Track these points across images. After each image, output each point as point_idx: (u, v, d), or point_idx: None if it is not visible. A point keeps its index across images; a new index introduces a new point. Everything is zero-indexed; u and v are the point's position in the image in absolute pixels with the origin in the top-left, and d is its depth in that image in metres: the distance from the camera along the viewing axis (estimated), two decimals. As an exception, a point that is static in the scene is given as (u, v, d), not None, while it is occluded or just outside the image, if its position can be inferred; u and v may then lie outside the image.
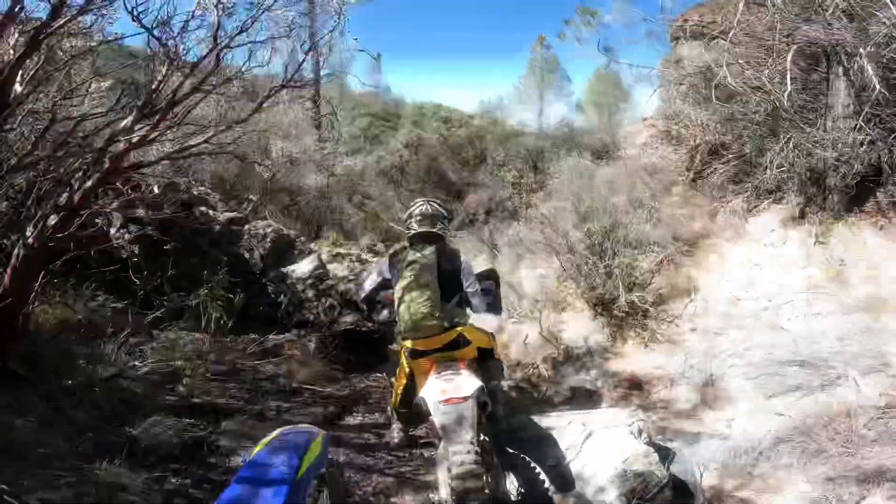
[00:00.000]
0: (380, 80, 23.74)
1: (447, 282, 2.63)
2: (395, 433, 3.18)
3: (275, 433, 1.44)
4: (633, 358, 4.82)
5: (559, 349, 5.18)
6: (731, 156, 7.09)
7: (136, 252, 3.57)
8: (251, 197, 6.96)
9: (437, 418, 2.22)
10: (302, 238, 4.85)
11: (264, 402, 3.24)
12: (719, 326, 4.78)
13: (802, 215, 5.87)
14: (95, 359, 2.86)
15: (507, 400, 3.66)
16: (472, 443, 2.11)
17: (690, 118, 7.20)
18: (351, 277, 4.45)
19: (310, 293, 4.21)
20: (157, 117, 2.69)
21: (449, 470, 2.09)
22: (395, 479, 2.79)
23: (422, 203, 2.89)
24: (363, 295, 3.07)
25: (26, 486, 1.60)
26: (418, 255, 2.63)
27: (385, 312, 2.95)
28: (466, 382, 2.33)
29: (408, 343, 2.65)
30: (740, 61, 5.75)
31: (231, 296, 3.38)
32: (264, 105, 3.42)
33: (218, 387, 3.21)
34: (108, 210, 3.51)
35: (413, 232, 2.80)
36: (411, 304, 2.52)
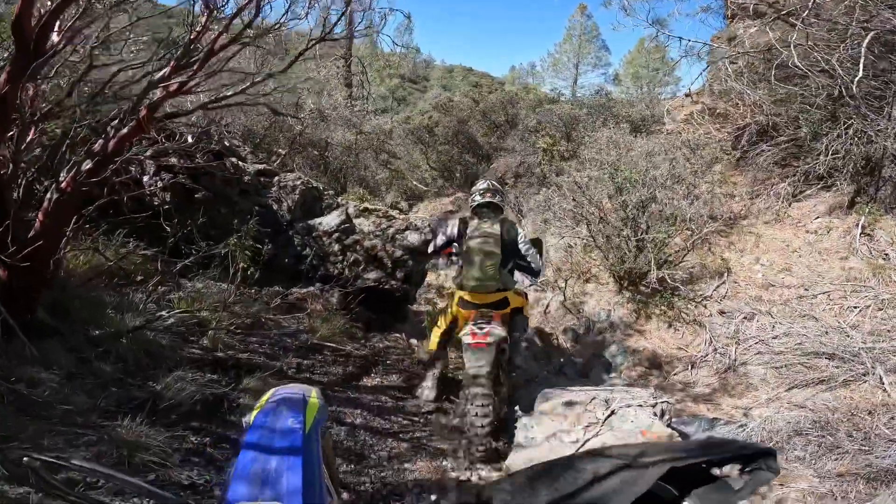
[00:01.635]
0: (410, 41, 22.88)
1: (504, 249, 3.10)
2: (427, 389, 3.37)
3: (267, 394, 1.39)
4: (656, 336, 4.63)
5: (580, 321, 5.02)
6: (782, 138, 6.57)
7: (168, 200, 3.49)
8: (280, 150, 6.81)
9: (465, 354, 2.90)
10: (330, 191, 4.67)
11: (285, 359, 3.20)
12: (749, 311, 4.51)
13: (852, 204, 5.43)
14: (124, 308, 2.82)
15: (527, 351, 3.92)
16: (486, 394, 2.81)
17: (743, 97, 6.65)
18: (377, 233, 4.28)
19: (335, 247, 4.02)
20: (196, 67, 2.53)
21: (466, 421, 2.80)
22: (410, 445, 2.74)
23: (484, 182, 3.45)
24: (433, 248, 3.57)
25: (46, 445, 1.55)
26: (487, 225, 3.14)
27: (441, 262, 3.52)
28: (494, 332, 2.90)
29: (465, 294, 3.11)
30: (810, 43, 5.19)
31: (259, 246, 3.27)
32: (299, 59, 3.24)
33: (241, 340, 3.16)
34: (142, 158, 3.44)
35: (477, 203, 3.29)
36: (480, 265, 3.02)
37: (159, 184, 3.45)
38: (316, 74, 8.16)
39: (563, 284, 5.51)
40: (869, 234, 5.01)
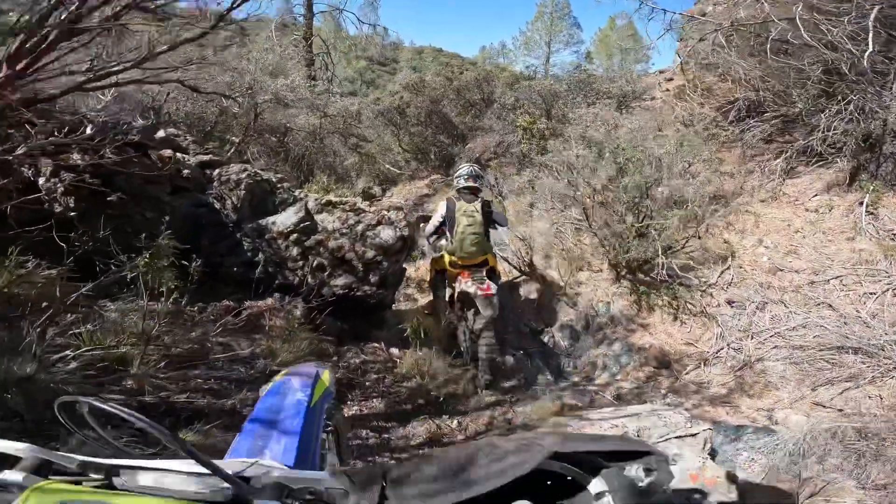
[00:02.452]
0: (377, 19, 21.60)
1: (484, 221, 3.74)
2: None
3: (283, 371, 1.46)
4: (661, 330, 4.14)
5: (578, 314, 4.49)
6: (768, 114, 6.15)
7: (72, 206, 2.69)
8: (233, 138, 5.92)
9: (478, 301, 3.58)
10: (285, 183, 3.74)
11: (237, 394, 2.52)
12: (759, 300, 4.07)
13: (851, 181, 5.05)
14: (12, 348, 2.07)
15: (524, 357, 4.19)
16: (493, 329, 3.61)
17: (731, 71, 6.15)
18: (344, 231, 3.51)
19: (293, 251, 3.27)
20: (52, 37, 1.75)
21: (481, 346, 3.58)
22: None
23: (467, 166, 3.99)
24: (430, 231, 4.05)
25: None
26: (470, 206, 3.74)
27: (443, 242, 3.93)
28: (492, 284, 3.65)
29: (456, 259, 3.77)
30: (815, 16, 4.69)
31: (186, 262, 2.50)
32: (215, 29, 2.47)
33: (178, 377, 2.46)
34: (35, 154, 2.62)
35: (461, 186, 3.87)
36: (467, 238, 3.68)
37: (59, 187, 2.64)
38: (268, 56, 7.21)
39: (555, 273, 4.96)
40: (872, 213, 4.63)
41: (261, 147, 6.33)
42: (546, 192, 5.41)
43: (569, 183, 4.34)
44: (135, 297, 2.50)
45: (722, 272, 4.36)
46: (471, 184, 3.84)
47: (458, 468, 0.65)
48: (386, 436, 2.75)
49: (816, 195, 5.23)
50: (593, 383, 3.84)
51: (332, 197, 3.95)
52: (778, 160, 5.69)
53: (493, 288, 3.60)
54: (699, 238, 4.21)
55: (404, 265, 4.27)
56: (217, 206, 3.26)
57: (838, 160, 5.13)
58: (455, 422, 3.15)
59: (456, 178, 3.96)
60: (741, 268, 4.40)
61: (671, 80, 10.10)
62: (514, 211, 6.46)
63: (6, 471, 0.58)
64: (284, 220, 3.31)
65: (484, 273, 3.70)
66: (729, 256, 4.46)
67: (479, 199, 3.79)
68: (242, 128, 6.08)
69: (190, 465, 0.62)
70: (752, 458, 2.97)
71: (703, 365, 3.82)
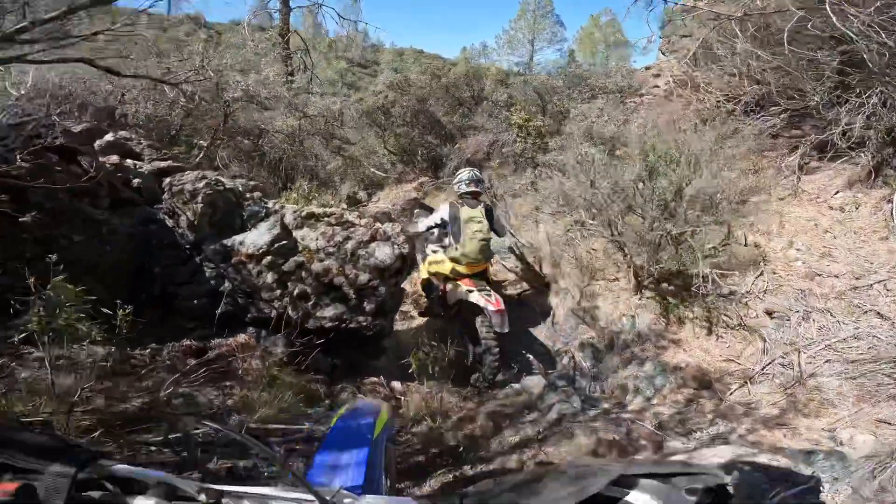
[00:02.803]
0: (360, 14, 20.92)
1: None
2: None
3: (346, 405, 1.57)
4: (696, 346, 3.67)
5: (599, 332, 3.98)
6: (774, 108, 5.80)
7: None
8: (201, 142, 5.23)
9: (491, 316, 3.45)
10: (256, 193, 3.14)
11: (203, 461, 1.89)
12: (800, 308, 3.64)
13: (875, 176, 4.71)
14: None
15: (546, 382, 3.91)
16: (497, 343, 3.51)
17: (736, 64, 5.80)
18: (330, 250, 2.90)
19: (268, 277, 2.68)
20: None
21: (486, 354, 3.50)
22: None
23: (468, 171, 3.88)
24: (416, 230, 3.98)
25: None
26: (477, 211, 3.64)
27: (433, 237, 3.93)
28: (500, 298, 3.52)
29: (459, 266, 3.60)
30: (845, 4, 4.32)
31: (141, 289, 1.87)
32: None
33: (121, 445, 1.82)
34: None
35: (463, 191, 3.75)
36: (476, 245, 3.55)
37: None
38: (237, 52, 6.52)
39: (568, 284, 4.46)
40: (902, 210, 4.28)
41: (233, 151, 5.64)
42: (552, 194, 4.91)
43: (579, 182, 3.82)
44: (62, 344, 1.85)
45: (755, 279, 3.92)
46: (473, 188, 3.78)
47: (529, 491, 0.67)
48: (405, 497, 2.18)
49: (839, 192, 4.88)
50: (627, 410, 3.33)
51: (314, 208, 3.28)
52: (793, 156, 5.33)
53: (502, 302, 3.51)
54: (744, 244, 3.76)
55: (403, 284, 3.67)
56: (170, 222, 2.60)
57: (862, 155, 4.79)
58: (479, 470, 2.61)
59: (456, 183, 3.89)
60: (775, 273, 3.97)
61: (658, 75, 9.84)
62: (512, 214, 5.95)
63: (139, 497, 0.63)
64: (255, 239, 2.66)
65: (486, 283, 3.66)
66: (761, 261, 4.02)
67: (483, 204, 3.73)
68: (212, 130, 5.40)
69: (292, 492, 0.67)
70: (836, 488, 2.53)
71: (748, 383, 3.36)
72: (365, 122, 8.45)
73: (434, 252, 3.92)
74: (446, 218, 3.74)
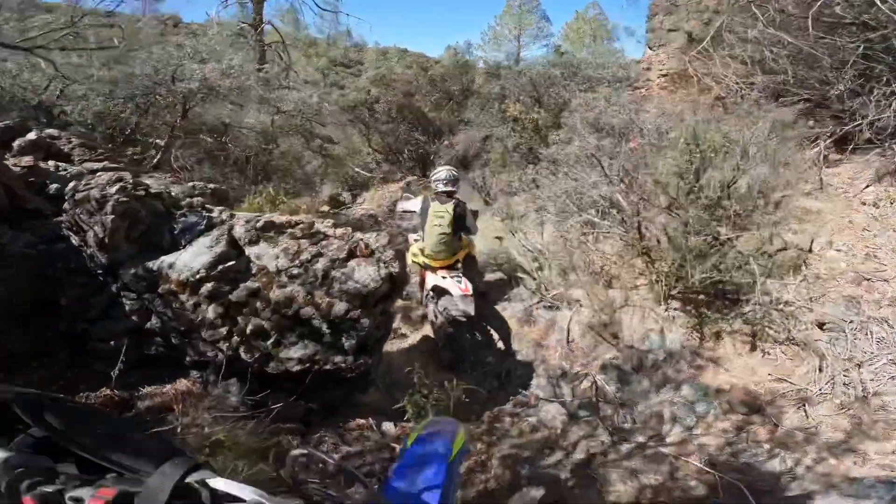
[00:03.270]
0: (338, 5, 20.17)
1: (454, 223, 3.74)
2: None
3: (425, 421, 1.54)
4: (738, 365, 3.14)
5: (623, 351, 3.43)
6: (789, 98, 5.38)
7: None
8: (158, 141, 4.53)
9: (460, 301, 3.54)
10: (195, 198, 2.35)
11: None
12: (854, 318, 3.15)
13: (903, 170, 4.29)
14: None
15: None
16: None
17: (747, 52, 5.36)
18: (295, 271, 2.21)
19: (209, 312, 2.00)
20: None
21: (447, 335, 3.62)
22: None
23: (446, 170, 3.98)
24: (401, 210, 4.47)
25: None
26: (443, 208, 3.77)
27: (413, 225, 4.32)
28: (469, 283, 3.62)
29: (427, 259, 3.85)
30: None
31: (44, 326, 1.24)
32: None
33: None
34: None
35: (441, 190, 3.90)
36: (436, 242, 3.73)
37: None
38: (199, 40, 5.85)
39: (578, 295, 3.90)
40: (942, 204, 3.86)
41: (194, 151, 4.93)
42: (556, 192, 4.36)
43: (599, 177, 3.26)
44: None
45: (797, 284, 3.42)
46: (449, 188, 3.88)
47: None
48: None
49: (869, 186, 4.44)
50: (666, 443, 2.77)
51: (275, 216, 2.55)
52: (815, 148, 4.89)
53: (471, 288, 3.60)
54: (810, 251, 3.25)
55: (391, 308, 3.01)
56: (75, 240, 1.91)
57: (892, 147, 4.36)
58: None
59: (434, 181, 3.97)
60: (818, 277, 3.48)
61: (648, 69, 9.44)
62: (509, 220, 5.38)
63: None
64: (189, 260, 2.00)
65: (460, 272, 3.76)
66: (802, 264, 3.53)
67: (452, 201, 3.80)
68: (168, 127, 4.70)
69: None
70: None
71: (804, 405, 2.84)
72: (347, 120, 7.81)
73: (416, 241, 4.09)
74: (417, 210, 3.94)
